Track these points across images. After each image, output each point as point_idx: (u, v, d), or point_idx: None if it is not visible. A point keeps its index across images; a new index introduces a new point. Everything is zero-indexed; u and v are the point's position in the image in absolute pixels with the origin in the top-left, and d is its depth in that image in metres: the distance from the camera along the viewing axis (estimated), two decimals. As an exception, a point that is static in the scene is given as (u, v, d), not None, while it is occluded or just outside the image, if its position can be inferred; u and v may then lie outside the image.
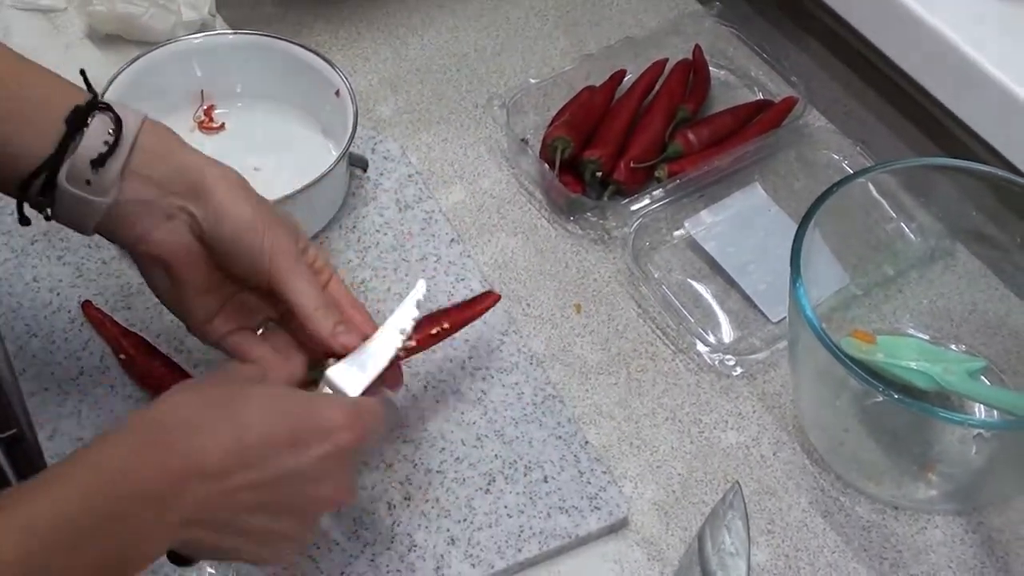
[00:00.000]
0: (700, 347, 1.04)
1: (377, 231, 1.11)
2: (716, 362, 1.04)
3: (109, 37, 1.25)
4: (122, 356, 1.00)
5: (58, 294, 1.05)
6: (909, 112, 1.21)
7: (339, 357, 0.86)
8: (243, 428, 0.76)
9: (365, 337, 0.87)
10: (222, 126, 1.17)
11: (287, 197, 1.03)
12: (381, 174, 1.15)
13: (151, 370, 1.00)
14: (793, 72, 1.22)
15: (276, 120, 1.17)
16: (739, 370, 1.04)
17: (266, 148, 1.14)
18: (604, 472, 0.96)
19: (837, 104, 1.26)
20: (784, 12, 1.33)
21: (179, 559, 0.78)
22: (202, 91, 1.16)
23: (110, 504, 0.69)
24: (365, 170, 1.15)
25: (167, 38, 1.22)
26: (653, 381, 1.03)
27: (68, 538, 0.68)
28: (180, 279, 0.85)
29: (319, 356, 0.88)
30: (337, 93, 1.11)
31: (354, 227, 1.11)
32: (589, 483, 0.96)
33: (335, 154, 1.09)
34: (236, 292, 0.88)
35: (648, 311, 1.08)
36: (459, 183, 1.17)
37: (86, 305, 1.03)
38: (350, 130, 1.08)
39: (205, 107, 1.17)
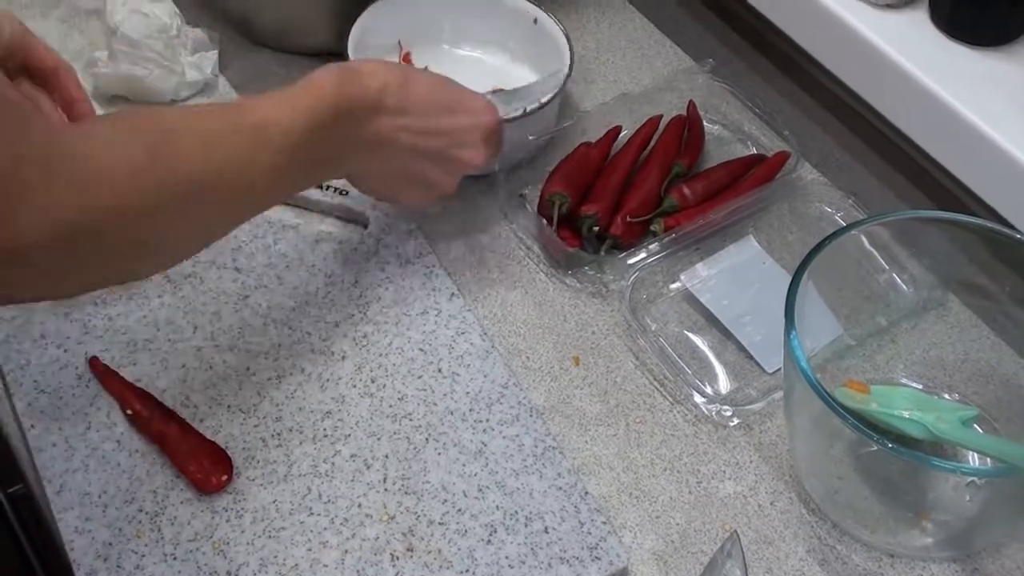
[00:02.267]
0: (697, 398, 1.06)
1: (379, 286, 1.13)
2: (713, 413, 1.05)
3: (115, 98, 1.27)
4: (128, 411, 1.02)
5: (65, 350, 1.06)
6: (900, 165, 1.23)
7: None
8: (414, 87, 1.02)
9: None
10: (424, 70, 1.26)
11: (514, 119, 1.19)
12: (382, 229, 1.17)
13: (157, 425, 1.01)
14: (786, 127, 1.24)
15: (477, 58, 1.35)
16: (736, 420, 1.05)
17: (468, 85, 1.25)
18: (604, 522, 0.98)
19: (829, 158, 1.28)
20: (776, 68, 1.36)
21: None
22: (399, 41, 1.32)
23: (329, 112, 0.95)
24: (366, 227, 1.17)
25: (171, 98, 1.25)
26: (651, 432, 1.05)
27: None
28: None
29: None
30: (535, 21, 1.28)
31: (356, 282, 1.13)
32: (590, 533, 0.97)
33: (535, 78, 1.28)
34: None
35: (646, 363, 1.09)
36: (459, 238, 1.19)
37: (93, 361, 1.05)
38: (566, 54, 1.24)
39: (403, 54, 1.32)
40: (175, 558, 0.94)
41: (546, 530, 0.97)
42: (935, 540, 0.98)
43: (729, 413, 1.05)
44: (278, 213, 1.18)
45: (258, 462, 1.00)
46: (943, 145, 1.11)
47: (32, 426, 1.01)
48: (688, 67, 1.35)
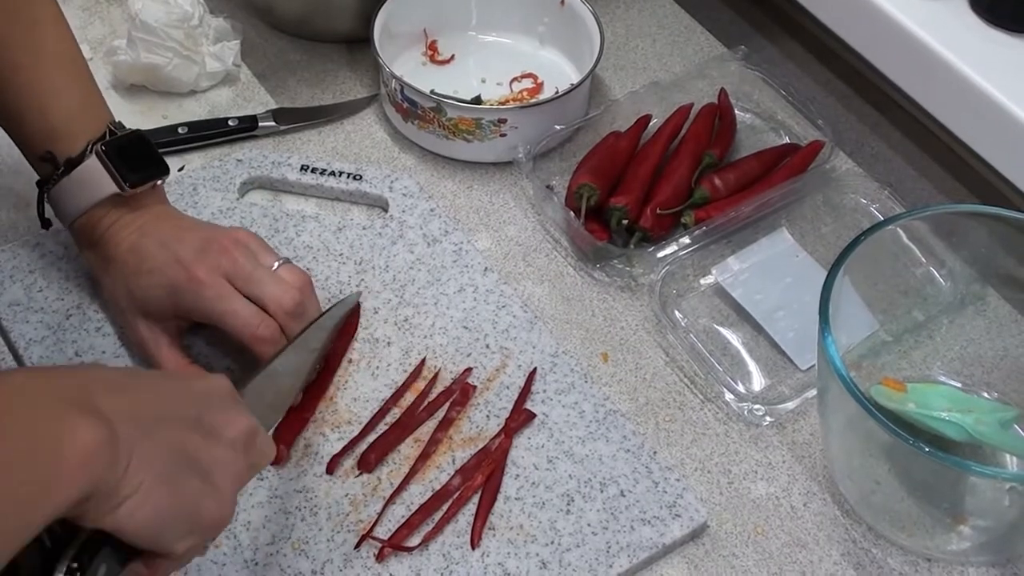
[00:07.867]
0: (728, 396, 1.03)
1: (410, 268, 1.11)
2: (745, 411, 1.03)
3: (134, 87, 1.25)
4: None
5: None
6: (937, 154, 1.21)
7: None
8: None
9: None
10: (451, 58, 1.31)
11: (543, 101, 1.21)
12: (403, 211, 1.15)
13: None
14: (819, 115, 1.22)
15: (505, 44, 1.33)
16: (768, 419, 1.03)
17: (496, 71, 1.30)
18: (677, 480, 0.97)
19: (864, 147, 1.26)
20: (810, 55, 1.33)
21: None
22: (424, 29, 1.31)
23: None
24: (386, 210, 1.15)
25: (191, 88, 1.23)
26: (682, 431, 1.03)
27: None
28: None
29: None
30: (562, 3, 1.27)
31: (387, 267, 1.11)
32: (665, 492, 0.97)
33: (564, 62, 1.30)
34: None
35: (676, 359, 1.07)
36: (485, 231, 1.17)
37: None
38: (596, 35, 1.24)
39: (429, 42, 1.31)
40: (255, 563, 0.92)
41: (622, 493, 0.96)
42: (973, 544, 0.95)
43: (761, 412, 1.03)
44: (295, 204, 1.16)
45: (321, 457, 0.98)
46: (982, 135, 1.09)
47: None
48: (720, 54, 1.32)
